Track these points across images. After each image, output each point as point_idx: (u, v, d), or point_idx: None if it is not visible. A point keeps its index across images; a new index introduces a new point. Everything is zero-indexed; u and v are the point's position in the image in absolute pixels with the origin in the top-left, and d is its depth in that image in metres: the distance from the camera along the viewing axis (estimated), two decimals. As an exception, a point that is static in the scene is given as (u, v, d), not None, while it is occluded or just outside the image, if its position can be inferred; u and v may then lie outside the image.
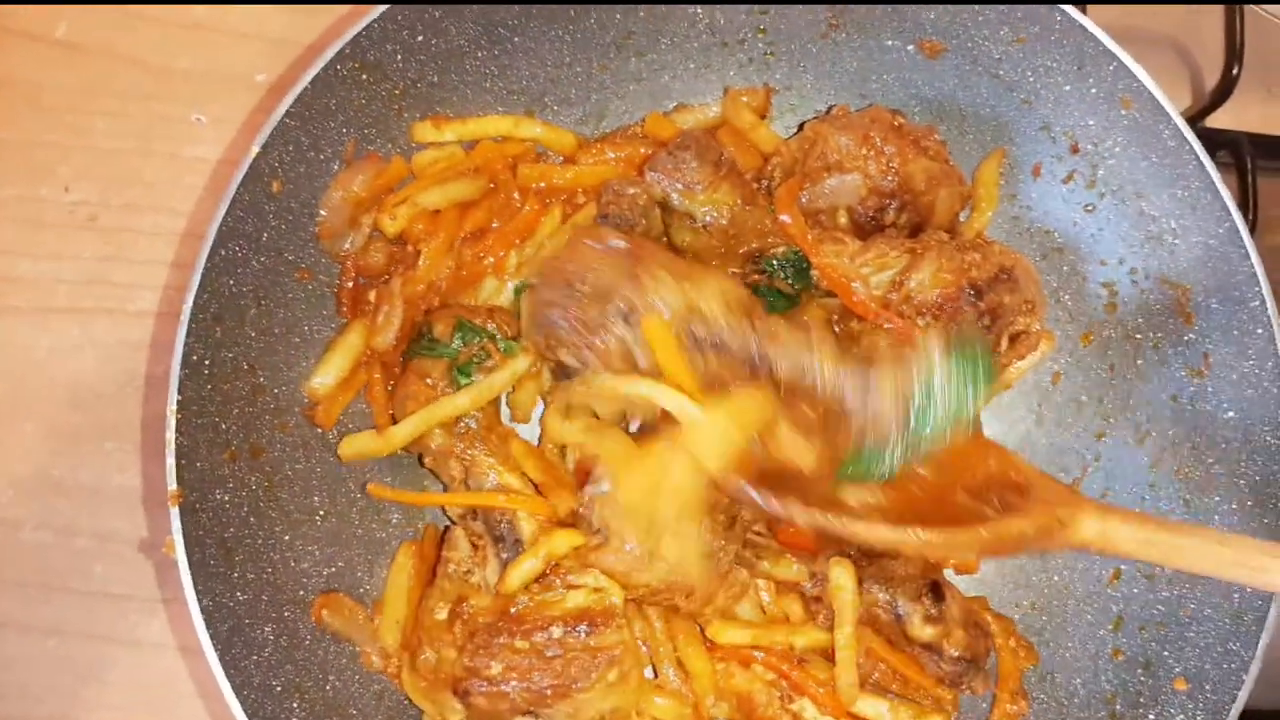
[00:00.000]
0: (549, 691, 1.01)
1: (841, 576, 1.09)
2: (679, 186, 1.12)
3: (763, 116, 1.23)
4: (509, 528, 1.10)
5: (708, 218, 1.13)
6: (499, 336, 1.15)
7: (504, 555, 1.09)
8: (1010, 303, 1.12)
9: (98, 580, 1.26)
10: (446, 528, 1.16)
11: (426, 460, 1.15)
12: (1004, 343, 1.13)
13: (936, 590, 1.12)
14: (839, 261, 1.12)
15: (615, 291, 1.05)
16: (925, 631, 1.10)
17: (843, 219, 1.16)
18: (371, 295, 1.14)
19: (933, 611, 1.11)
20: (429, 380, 1.11)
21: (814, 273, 1.14)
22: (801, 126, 1.22)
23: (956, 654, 1.10)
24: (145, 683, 1.24)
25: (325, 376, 1.11)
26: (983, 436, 1.13)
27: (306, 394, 1.12)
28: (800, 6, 1.21)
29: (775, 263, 1.16)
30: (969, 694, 1.12)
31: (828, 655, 1.12)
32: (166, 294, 1.34)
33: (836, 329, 1.15)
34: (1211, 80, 1.40)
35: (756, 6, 1.21)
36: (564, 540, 1.06)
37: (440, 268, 1.15)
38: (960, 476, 1.06)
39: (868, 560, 1.13)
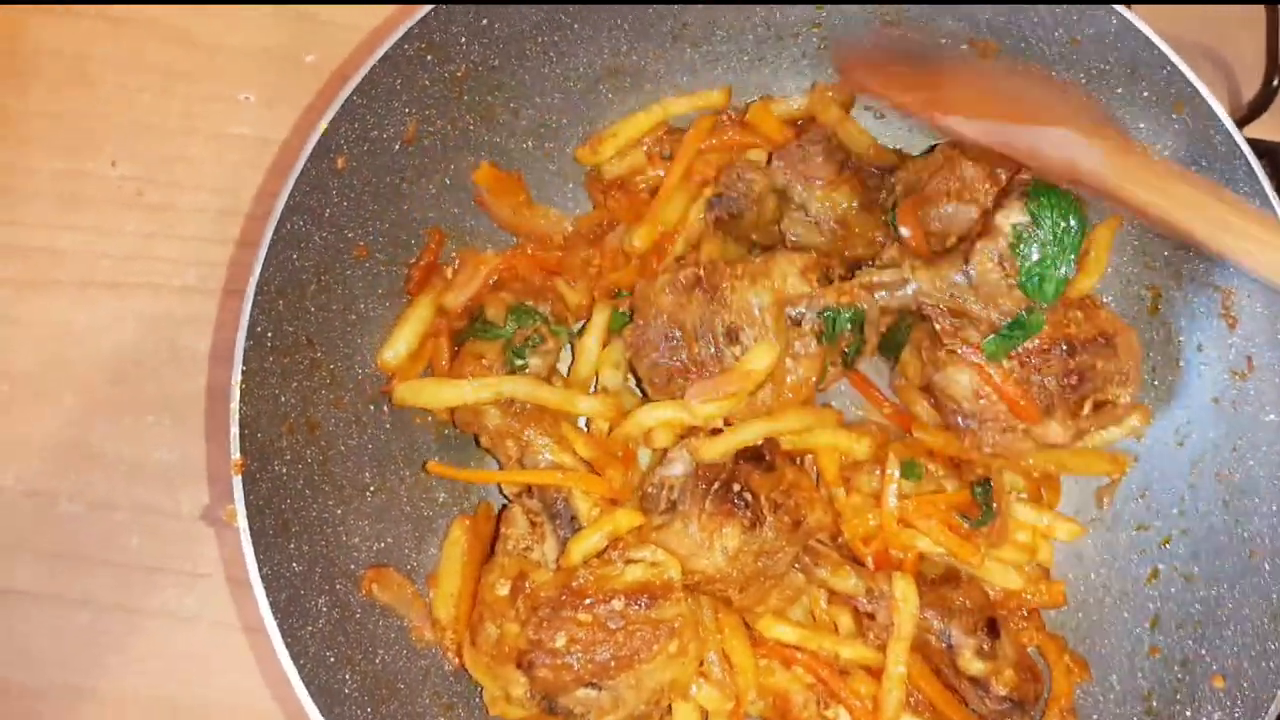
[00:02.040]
0: (612, 663, 1.02)
1: (906, 590, 1.10)
2: (802, 178, 1.14)
3: (847, 110, 1.24)
4: (564, 505, 1.12)
5: (822, 214, 1.14)
6: (551, 320, 1.17)
7: (561, 532, 1.12)
8: (1103, 369, 1.11)
9: (133, 553, 1.27)
10: (504, 506, 1.18)
11: (483, 440, 1.16)
12: (1087, 407, 1.12)
13: (993, 626, 1.13)
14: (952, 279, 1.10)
15: (710, 318, 1.09)
16: (976, 665, 1.11)
17: (950, 242, 1.15)
18: (449, 271, 1.17)
19: (986, 647, 1.11)
20: (485, 361, 1.13)
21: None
22: (932, 148, 1.21)
23: (1004, 693, 1.11)
24: (178, 655, 1.25)
25: (397, 347, 1.13)
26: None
27: (379, 367, 1.13)
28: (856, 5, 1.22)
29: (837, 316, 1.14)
30: None
31: (871, 672, 1.13)
32: (211, 270, 1.35)
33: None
34: (1249, 91, 1.41)
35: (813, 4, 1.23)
36: (626, 519, 1.09)
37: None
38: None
39: (928, 587, 1.14)
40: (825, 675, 1.12)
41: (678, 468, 1.10)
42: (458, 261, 1.21)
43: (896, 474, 1.15)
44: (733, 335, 1.09)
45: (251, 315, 1.00)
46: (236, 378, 0.99)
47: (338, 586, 1.07)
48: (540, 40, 1.18)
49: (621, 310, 1.22)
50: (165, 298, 1.33)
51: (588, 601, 1.03)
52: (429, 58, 1.11)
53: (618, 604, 1.03)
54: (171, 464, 1.29)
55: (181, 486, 1.28)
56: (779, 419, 1.12)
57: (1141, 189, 0.98)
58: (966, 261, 1.06)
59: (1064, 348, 1.10)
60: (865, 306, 1.10)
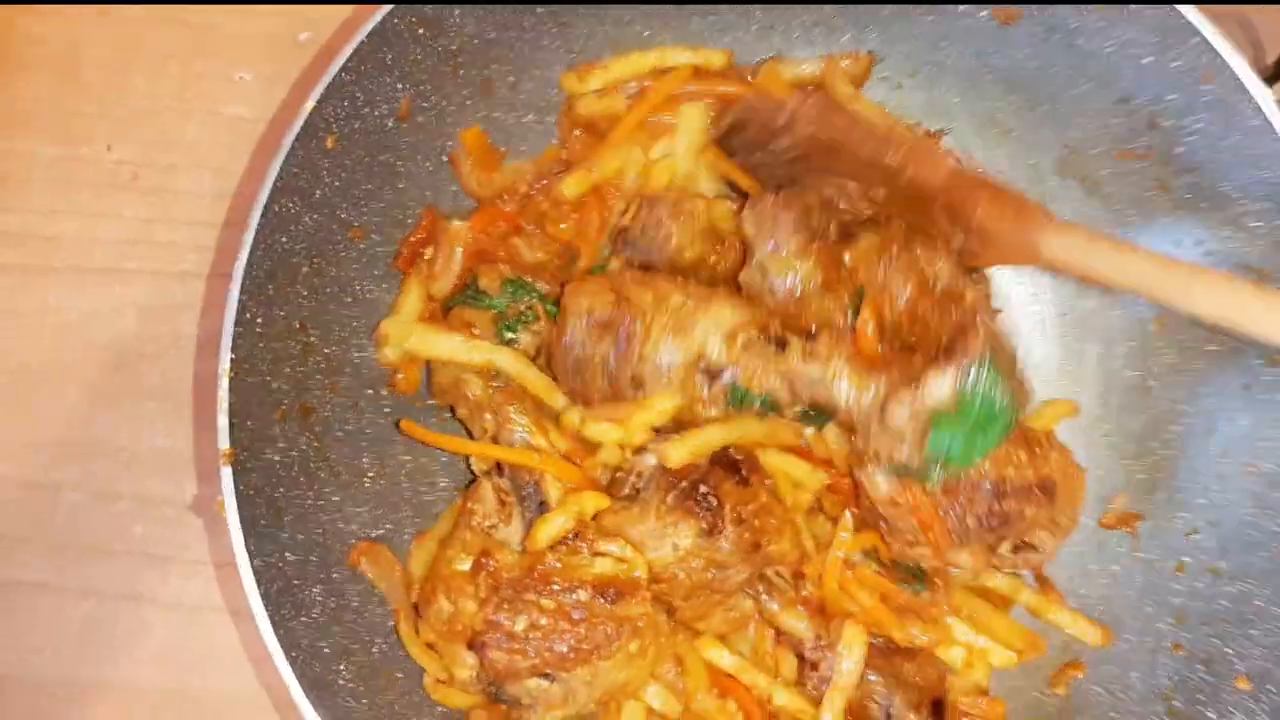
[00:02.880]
0: (570, 655, 1.00)
1: (852, 639, 1.05)
2: (767, 238, 1.07)
3: (859, 86, 1.19)
4: (534, 488, 1.09)
5: (778, 280, 1.07)
6: (546, 298, 1.14)
7: (529, 515, 1.08)
8: (1032, 516, 1.06)
9: (137, 542, 1.26)
10: (471, 481, 1.15)
11: (460, 411, 1.13)
12: (1004, 547, 1.08)
13: (938, 708, 1.08)
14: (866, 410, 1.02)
15: (619, 362, 1.04)
16: None
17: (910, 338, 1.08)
18: (428, 253, 1.13)
19: None
20: (475, 330, 1.10)
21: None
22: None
23: None
24: (184, 645, 1.24)
25: (394, 344, 1.10)
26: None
27: (379, 364, 1.11)
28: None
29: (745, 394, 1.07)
30: None
31: None
32: (209, 255, 1.32)
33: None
34: (1274, 53, 1.34)
35: (826, -32, 1.18)
36: (592, 501, 1.05)
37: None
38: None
39: (880, 653, 1.09)
40: (754, 713, 1.08)
41: (651, 458, 1.06)
42: (434, 244, 1.16)
43: (847, 535, 1.09)
44: (637, 383, 1.04)
45: (240, 301, 0.98)
46: (225, 365, 0.97)
47: (334, 575, 1.05)
48: (539, 12, 1.14)
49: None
50: (164, 283, 1.32)
51: (553, 587, 1.00)
52: (421, 31, 1.07)
53: (583, 594, 1.00)
54: (174, 452, 1.28)
55: (184, 474, 1.27)
56: (732, 426, 1.07)
57: (1101, 266, 1.00)
58: (884, 407, 0.99)
59: (992, 490, 1.04)
60: (775, 394, 1.04)
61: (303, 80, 1.33)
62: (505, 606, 0.99)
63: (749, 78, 1.20)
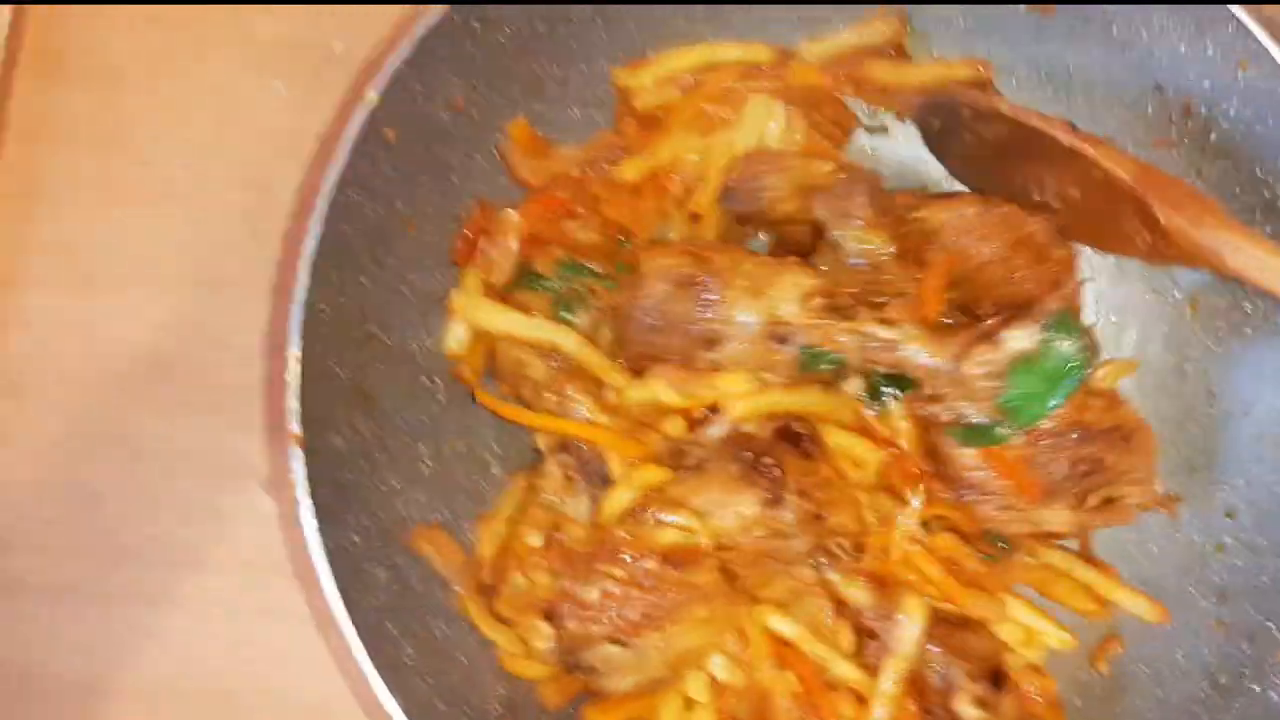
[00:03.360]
0: (642, 621, 1.02)
1: (913, 608, 1.07)
2: (840, 216, 1.10)
3: (898, 50, 1.21)
4: (597, 464, 1.12)
5: (856, 255, 1.11)
6: (602, 277, 1.16)
7: (594, 490, 1.11)
8: (1115, 464, 1.07)
9: (180, 548, 1.26)
10: (532, 463, 1.17)
11: (523, 392, 1.16)
12: (1093, 499, 1.09)
13: (999, 677, 1.10)
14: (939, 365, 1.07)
15: (695, 320, 1.07)
16: (969, 712, 1.07)
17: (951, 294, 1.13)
18: (482, 244, 1.15)
19: (985, 695, 1.08)
20: (534, 313, 1.13)
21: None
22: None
23: None
24: (234, 649, 1.24)
25: (457, 334, 1.13)
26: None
27: (446, 357, 1.13)
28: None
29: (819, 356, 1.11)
30: None
31: (858, 698, 1.09)
32: (251, 264, 1.32)
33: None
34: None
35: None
36: (655, 474, 1.08)
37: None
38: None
39: (942, 624, 1.10)
40: (813, 684, 1.09)
41: (715, 430, 1.09)
42: (489, 233, 1.18)
43: (915, 506, 1.11)
44: (711, 343, 1.07)
45: (309, 286, 1.00)
46: (294, 350, 0.99)
47: (397, 560, 1.07)
48: (587, 6, 1.17)
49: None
50: (205, 293, 1.32)
51: (623, 557, 1.03)
52: (475, 24, 1.10)
53: (652, 563, 1.03)
54: (212, 454, 1.28)
55: (223, 479, 1.28)
56: (796, 393, 1.10)
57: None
58: (959, 357, 1.04)
59: (1078, 434, 1.06)
60: (847, 356, 1.08)
61: (328, 93, 1.32)
62: (578, 577, 1.02)
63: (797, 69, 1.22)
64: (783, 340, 1.07)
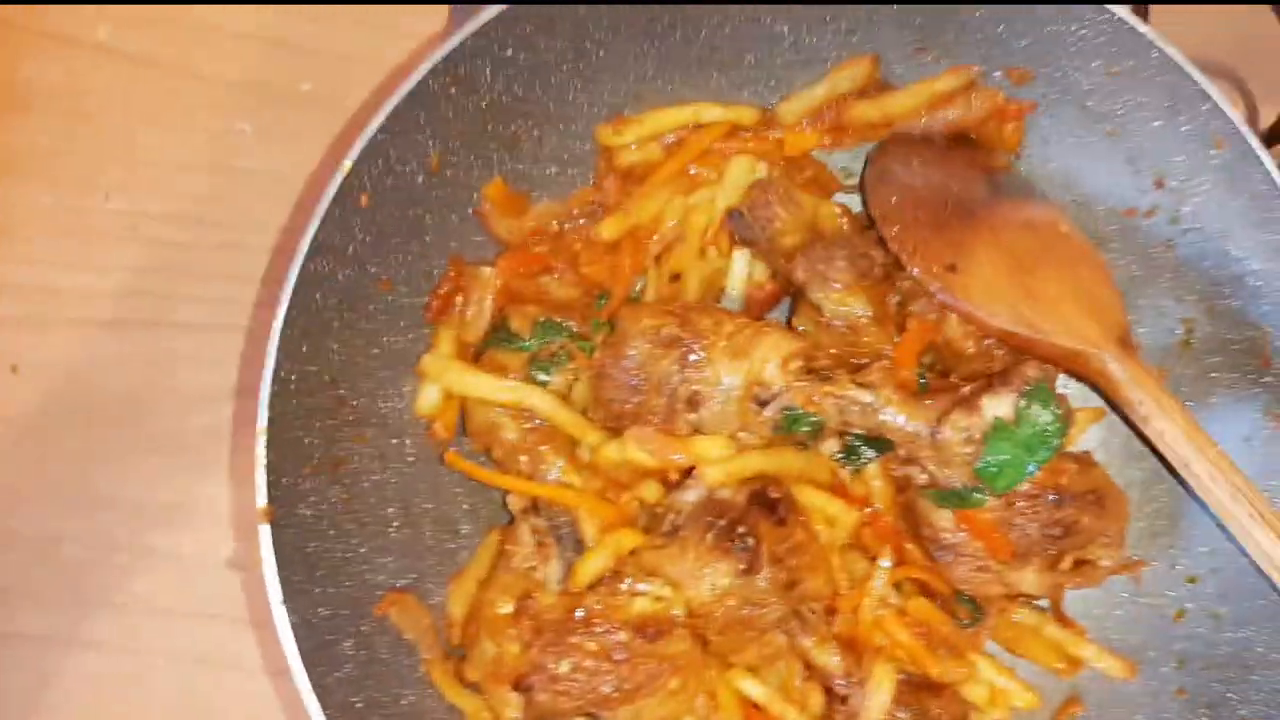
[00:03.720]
0: (614, 694, 1.02)
1: (881, 678, 1.09)
2: (820, 279, 1.13)
3: (867, 90, 1.22)
4: (569, 527, 1.12)
5: (834, 316, 1.13)
6: (578, 337, 1.16)
7: (566, 555, 1.11)
8: (1089, 526, 1.10)
9: (139, 595, 1.26)
10: (508, 522, 1.17)
11: (495, 453, 1.15)
12: (1066, 562, 1.11)
13: None
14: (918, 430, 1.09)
15: (678, 381, 1.08)
16: None
17: (925, 359, 1.16)
18: (459, 301, 1.15)
19: None
20: (511, 375, 1.12)
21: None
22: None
23: None
24: (185, 698, 1.24)
25: (429, 394, 1.13)
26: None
27: (417, 416, 1.13)
28: (887, 29, 1.20)
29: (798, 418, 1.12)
30: None
31: None
32: (210, 307, 1.32)
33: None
34: (1269, 113, 1.38)
35: (844, 28, 1.20)
36: (630, 538, 1.08)
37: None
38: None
39: (909, 687, 1.12)
40: None
41: (690, 495, 1.09)
42: (464, 289, 1.18)
43: (885, 568, 1.13)
44: (694, 404, 1.08)
45: (276, 359, 0.99)
46: (262, 424, 0.98)
47: (363, 628, 1.06)
48: (565, 69, 1.16)
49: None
50: (165, 335, 1.31)
51: (595, 629, 1.03)
52: (453, 90, 1.09)
53: (624, 635, 1.03)
54: (175, 505, 1.28)
55: (185, 528, 1.27)
56: (771, 455, 1.11)
57: (1144, 407, 1.08)
58: (938, 422, 1.06)
59: (1052, 497, 1.08)
60: (826, 418, 1.09)
61: (294, 135, 1.33)
62: (549, 649, 1.02)
63: (778, 132, 1.22)
64: (764, 403, 1.08)
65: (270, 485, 0.99)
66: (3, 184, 1.35)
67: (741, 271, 1.24)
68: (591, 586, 1.07)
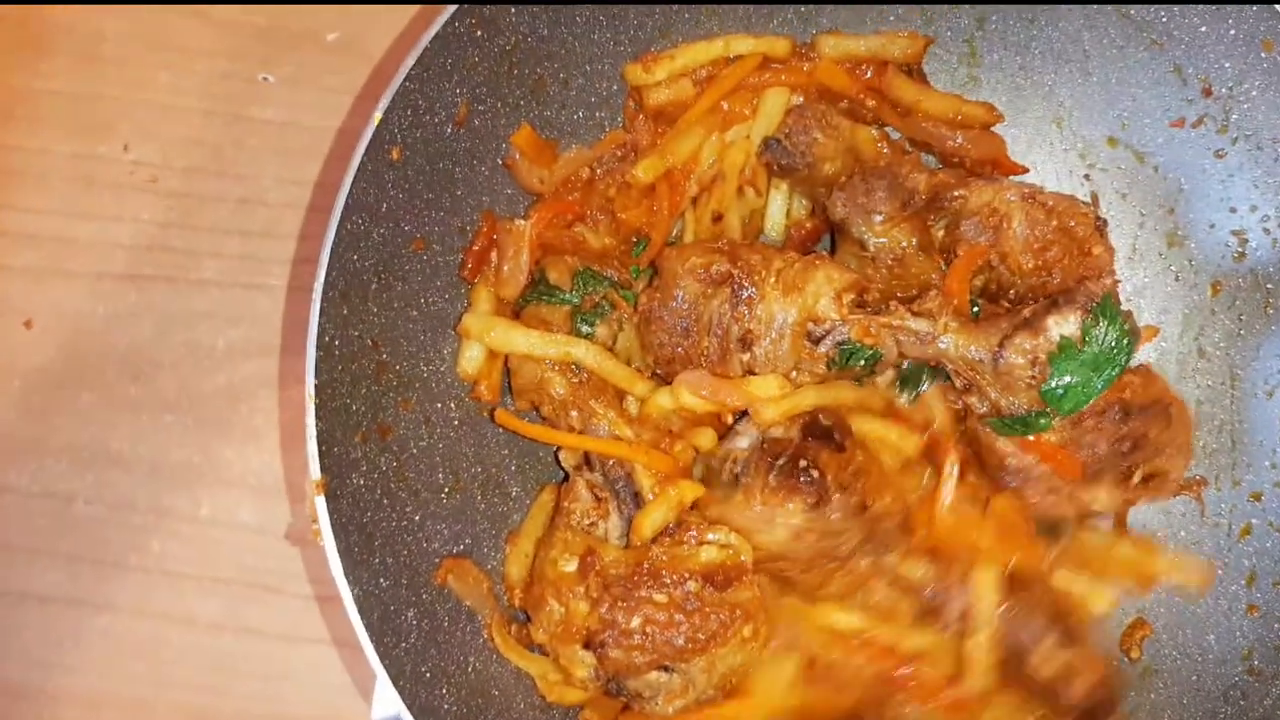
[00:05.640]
0: (687, 645, 1.00)
1: (985, 584, 1.06)
2: (862, 212, 1.09)
3: (914, 65, 1.18)
4: (626, 481, 1.08)
5: (879, 250, 1.10)
6: (619, 286, 1.12)
7: (625, 509, 1.08)
8: (1156, 438, 1.07)
9: (154, 557, 1.22)
10: (564, 479, 1.14)
11: (544, 410, 1.12)
12: (1137, 476, 1.08)
13: (1069, 632, 1.08)
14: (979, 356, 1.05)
15: (729, 320, 1.04)
16: (1045, 669, 1.07)
17: (977, 281, 1.12)
18: (493, 257, 1.11)
19: (1059, 651, 1.07)
20: (552, 328, 1.09)
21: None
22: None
23: (1072, 702, 1.06)
24: (199, 662, 1.21)
25: (471, 353, 1.08)
26: None
27: (460, 378, 1.08)
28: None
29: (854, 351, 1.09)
30: None
31: (932, 661, 1.08)
32: (229, 263, 1.28)
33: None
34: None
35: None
36: (690, 490, 1.05)
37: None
38: None
39: (1010, 585, 1.09)
40: (889, 662, 1.08)
41: (743, 441, 1.07)
42: (498, 244, 1.14)
43: (954, 475, 1.09)
44: (746, 343, 1.05)
45: (319, 324, 0.94)
46: (310, 392, 0.94)
47: (424, 597, 1.03)
48: (590, 5, 1.11)
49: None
50: (183, 291, 1.27)
51: (663, 581, 1.00)
52: (479, 33, 1.04)
53: (693, 585, 1.01)
54: (192, 465, 1.24)
55: (202, 489, 1.24)
56: (826, 389, 1.07)
57: None
58: (1001, 346, 1.02)
59: (1119, 411, 1.05)
60: (884, 350, 1.06)
61: (318, 85, 1.28)
62: (620, 605, 0.99)
63: (810, 61, 1.18)
64: (818, 339, 1.05)
65: (323, 456, 0.95)
66: (18, 129, 1.29)
67: (780, 209, 1.20)
68: (655, 539, 1.04)
